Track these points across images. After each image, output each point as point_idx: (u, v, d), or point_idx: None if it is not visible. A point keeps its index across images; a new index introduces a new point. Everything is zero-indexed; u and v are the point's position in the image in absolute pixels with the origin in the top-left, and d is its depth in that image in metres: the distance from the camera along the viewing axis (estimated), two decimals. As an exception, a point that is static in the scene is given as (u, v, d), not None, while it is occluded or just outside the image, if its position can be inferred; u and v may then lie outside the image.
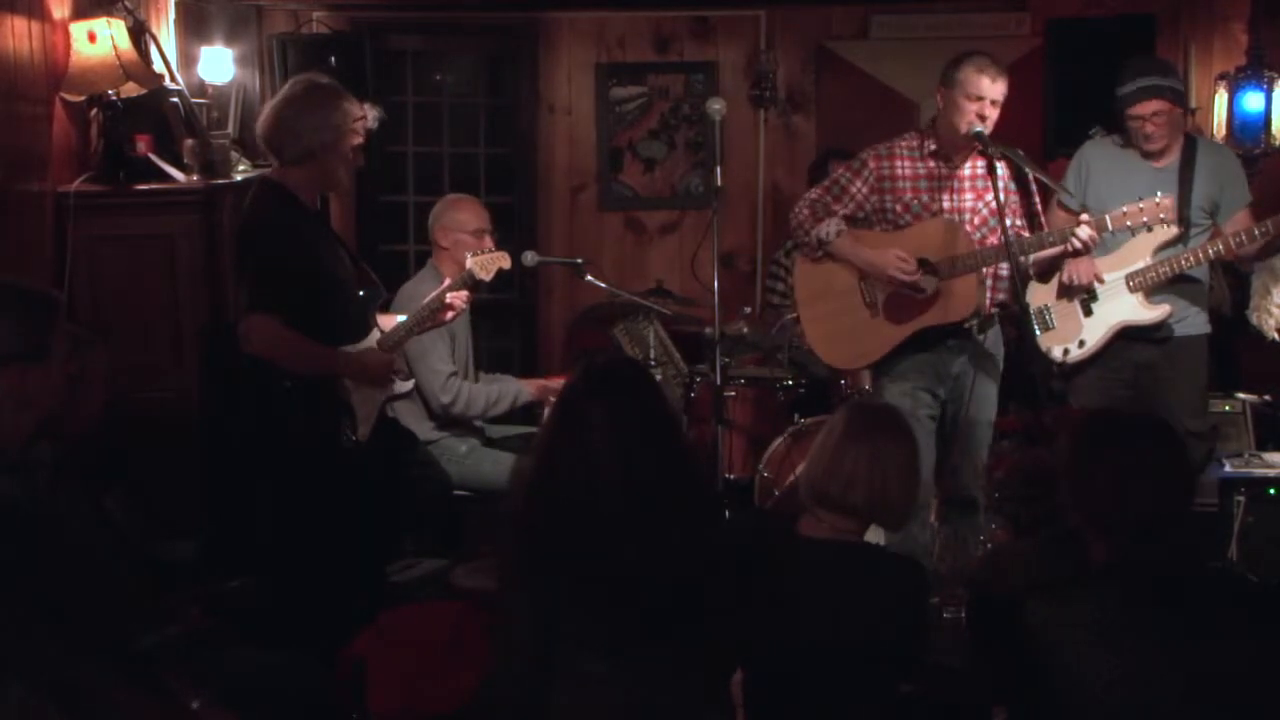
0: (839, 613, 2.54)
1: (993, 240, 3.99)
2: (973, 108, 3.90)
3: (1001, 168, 4.02)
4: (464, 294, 3.89)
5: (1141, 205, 3.88)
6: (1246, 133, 5.47)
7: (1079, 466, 2.35)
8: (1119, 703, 2.18)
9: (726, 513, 4.04)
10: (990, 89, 3.89)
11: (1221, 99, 5.55)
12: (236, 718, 2.48)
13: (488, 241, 4.52)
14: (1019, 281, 3.96)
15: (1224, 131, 5.51)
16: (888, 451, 2.65)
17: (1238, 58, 5.62)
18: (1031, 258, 4.04)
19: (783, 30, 6.26)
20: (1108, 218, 3.93)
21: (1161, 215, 3.89)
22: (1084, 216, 3.94)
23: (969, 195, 4.04)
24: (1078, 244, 3.90)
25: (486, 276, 4.10)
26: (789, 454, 4.83)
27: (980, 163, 4.04)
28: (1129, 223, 3.92)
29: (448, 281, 3.96)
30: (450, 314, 3.89)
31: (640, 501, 2.41)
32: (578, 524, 2.40)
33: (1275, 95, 5.42)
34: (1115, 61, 4.42)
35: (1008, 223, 3.97)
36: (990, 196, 4.00)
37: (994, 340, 4.13)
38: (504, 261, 4.09)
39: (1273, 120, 5.44)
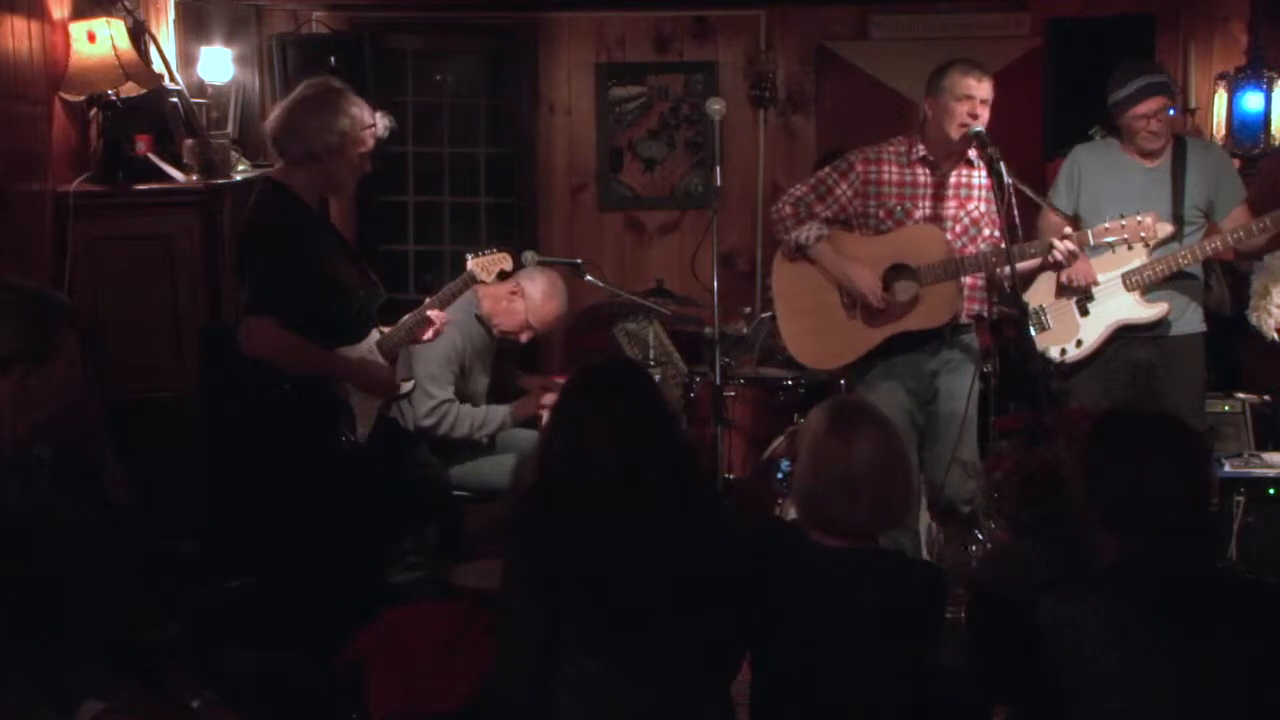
0: (856, 618, 2.51)
1: (972, 249, 4.02)
2: (963, 108, 3.91)
3: (983, 175, 4.04)
4: (443, 314, 3.90)
5: (1124, 222, 3.93)
6: (1246, 133, 5.47)
7: (1094, 465, 2.33)
8: (1125, 701, 2.18)
9: (731, 514, 4.04)
10: (977, 88, 3.91)
11: (1221, 99, 5.54)
12: (237, 718, 2.48)
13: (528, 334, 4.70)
14: (1016, 285, 3.97)
15: (1223, 131, 5.51)
16: (876, 452, 2.52)
17: (1237, 58, 5.61)
18: (1006, 272, 4.04)
19: (783, 30, 6.26)
20: (1089, 233, 3.98)
21: (1142, 234, 3.94)
22: (1066, 230, 3.97)
23: (952, 203, 4.06)
24: (1058, 257, 3.92)
25: (487, 278, 4.11)
26: (788, 454, 4.83)
27: (965, 171, 4.07)
28: (1110, 239, 3.96)
29: (427, 300, 3.96)
30: (429, 332, 3.90)
31: (639, 501, 2.41)
32: (578, 524, 2.41)
33: (1275, 95, 5.41)
34: (1115, 61, 4.43)
35: (986, 233, 4.01)
36: (973, 205, 4.04)
37: (966, 340, 4.14)
38: (505, 263, 4.11)
39: (1272, 120, 5.44)
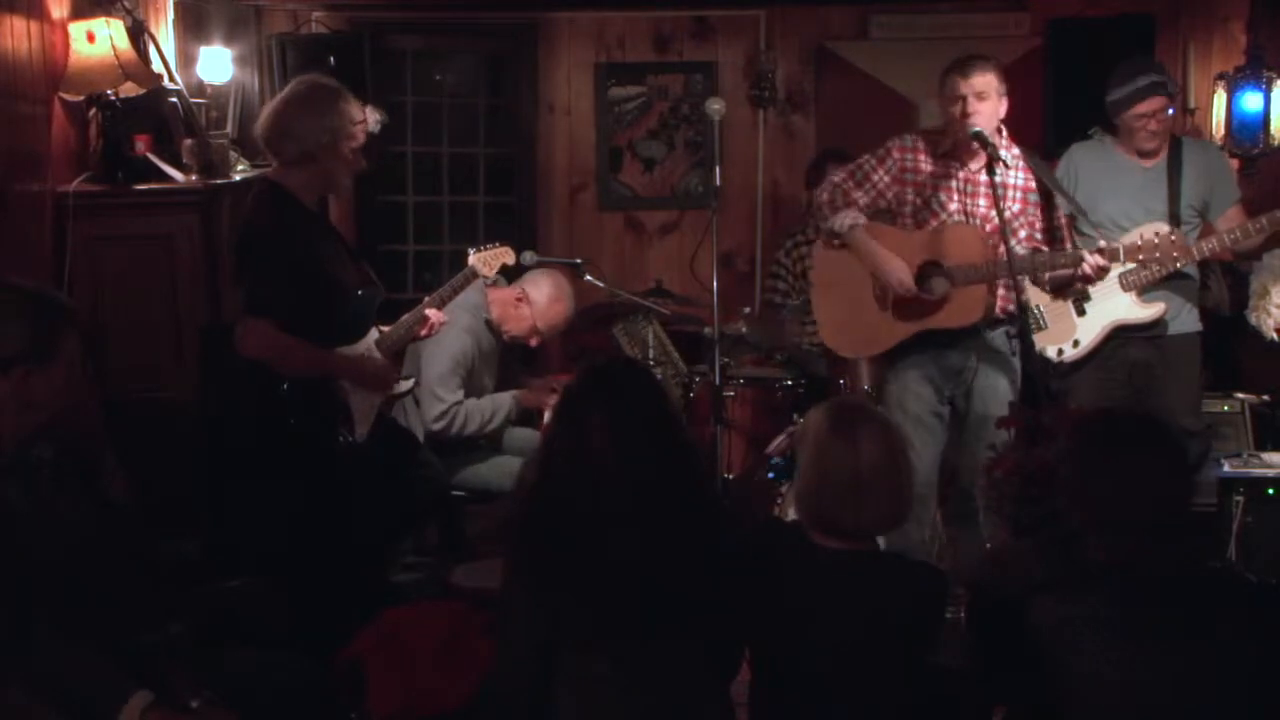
0: (857, 620, 2.51)
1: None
2: (956, 109, 3.92)
3: (1023, 176, 4.03)
4: (440, 314, 3.91)
5: (1156, 240, 3.84)
6: (1245, 133, 5.47)
7: (1078, 469, 2.34)
8: (1122, 702, 2.19)
9: (731, 514, 4.04)
10: (964, 86, 3.90)
11: (1220, 99, 5.55)
12: (237, 717, 2.48)
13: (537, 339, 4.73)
14: (1042, 286, 3.98)
15: (1223, 131, 5.51)
16: (881, 451, 2.54)
17: (1237, 58, 5.62)
18: (1046, 277, 4.04)
19: (782, 30, 6.26)
20: (1120, 248, 3.91)
21: (1175, 254, 3.88)
22: (1101, 243, 3.96)
23: (983, 200, 4.03)
24: (1087, 271, 3.89)
25: (489, 272, 4.11)
26: (784, 453, 4.83)
27: (999, 170, 4.03)
28: (1141, 257, 3.90)
29: (427, 298, 3.97)
30: (425, 330, 3.93)
31: (642, 502, 2.41)
32: (579, 524, 2.41)
33: (1274, 95, 5.42)
34: (1115, 61, 4.43)
35: (1023, 235, 3.99)
36: (1005, 205, 4.00)
37: (1000, 338, 4.13)
38: (507, 257, 4.12)
39: (1271, 120, 5.44)
